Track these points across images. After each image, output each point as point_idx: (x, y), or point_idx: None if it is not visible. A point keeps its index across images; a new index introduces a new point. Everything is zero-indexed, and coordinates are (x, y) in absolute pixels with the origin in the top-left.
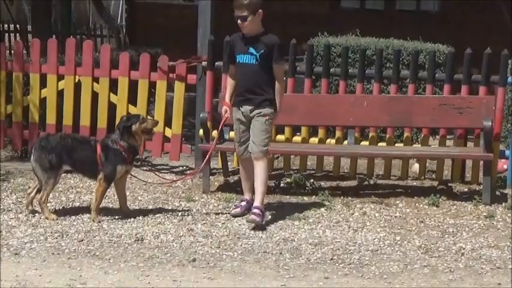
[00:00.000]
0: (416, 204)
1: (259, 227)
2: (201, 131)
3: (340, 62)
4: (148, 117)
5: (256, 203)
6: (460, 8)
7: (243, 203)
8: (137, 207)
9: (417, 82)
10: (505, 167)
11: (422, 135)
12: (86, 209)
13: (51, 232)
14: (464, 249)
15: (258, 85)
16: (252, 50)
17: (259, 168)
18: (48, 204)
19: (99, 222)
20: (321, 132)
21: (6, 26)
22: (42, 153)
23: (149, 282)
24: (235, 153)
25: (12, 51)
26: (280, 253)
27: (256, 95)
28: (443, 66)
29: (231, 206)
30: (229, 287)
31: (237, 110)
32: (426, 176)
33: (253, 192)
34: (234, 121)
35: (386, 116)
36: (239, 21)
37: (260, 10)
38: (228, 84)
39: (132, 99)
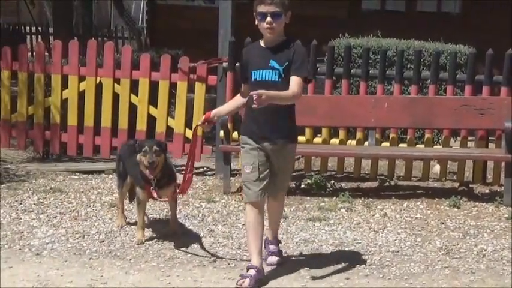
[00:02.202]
0: (437, 206)
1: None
2: (221, 132)
3: (361, 63)
4: (155, 147)
5: (274, 245)
6: (481, 8)
7: (253, 272)
8: (158, 209)
9: (438, 83)
10: None
11: (443, 136)
12: (107, 210)
13: (73, 233)
14: (485, 250)
15: (283, 113)
16: (273, 63)
17: (282, 207)
18: (70, 205)
19: (142, 243)
20: (342, 133)
21: (28, 28)
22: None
23: (170, 283)
24: None
25: (34, 53)
26: (301, 254)
27: (280, 129)
28: (464, 67)
29: None
30: None
31: (252, 140)
32: (447, 177)
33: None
34: (244, 148)
35: (407, 117)
36: (268, 19)
37: (289, 11)
38: (233, 99)
39: (153, 100)
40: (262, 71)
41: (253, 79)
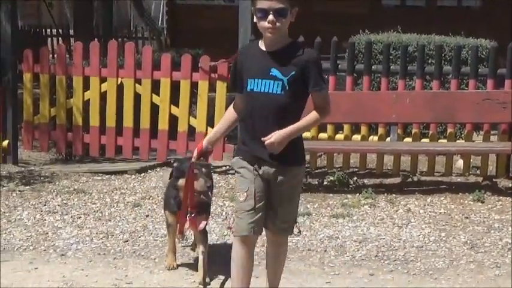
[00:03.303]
0: (461, 200)
1: None
2: None
3: (382, 59)
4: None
5: None
6: (502, 2)
7: None
8: None
9: (460, 77)
10: None
11: (466, 131)
12: (130, 210)
13: (97, 233)
14: (510, 244)
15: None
16: (276, 72)
17: (284, 253)
18: (93, 206)
19: (174, 268)
20: (364, 129)
21: (48, 30)
22: None
23: (194, 281)
24: None
25: (55, 55)
26: (325, 250)
27: (283, 149)
28: (486, 61)
29: None
30: None
31: (249, 164)
32: (470, 172)
33: None
34: (239, 173)
35: (429, 112)
36: (270, 17)
37: (296, 7)
38: (224, 117)
39: (175, 100)
40: (260, 81)
41: (249, 89)
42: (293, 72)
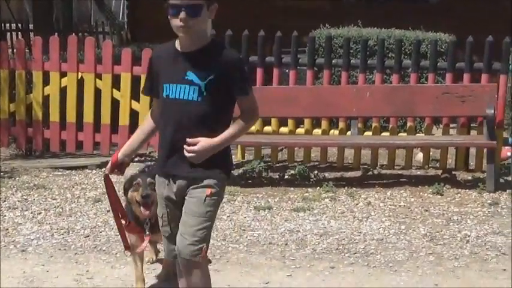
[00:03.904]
0: (421, 193)
1: None
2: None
3: (342, 53)
4: (150, 180)
5: None
6: None
7: None
8: None
9: (419, 71)
10: (509, 154)
11: (425, 124)
12: (91, 205)
13: (57, 229)
14: (469, 236)
15: (204, 135)
16: (192, 75)
17: (195, 280)
18: (54, 201)
19: None
20: (324, 123)
21: (7, 25)
22: None
23: (157, 275)
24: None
25: (15, 50)
26: (286, 244)
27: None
28: (445, 55)
29: (235, 199)
30: (236, 278)
31: (164, 182)
32: (430, 165)
33: None
34: (157, 199)
35: (389, 106)
36: (182, 14)
37: (215, 3)
38: (140, 126)
39: (135, 95)
40: (175, 86)
41: (164, 95)
42: (211, 76)
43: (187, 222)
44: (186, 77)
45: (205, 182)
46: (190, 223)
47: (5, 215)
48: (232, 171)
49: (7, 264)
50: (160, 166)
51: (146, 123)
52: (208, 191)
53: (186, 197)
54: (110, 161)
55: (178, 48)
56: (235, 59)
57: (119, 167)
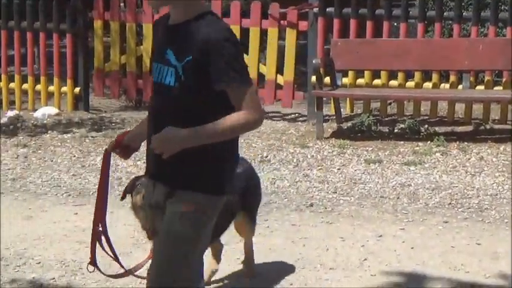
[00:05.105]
0: None
1: None
2: (313, 78)
3: (453, 5)
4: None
5: None
6: None
7: None
8: (252, 154)
9: None
10: None
11: None
12: None
13: None
14: None
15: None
16: (170, 54)
17: None
18: None
19: None
20: (435, 76)
21: None
22: None
23: (268, 226)
24: (347, 98)
25: (126, 2)
26: (398, 198)
27: (175, 159)
28: None
29: (345, 152)
30: (349, 231)
31: (149, 184)
32: None
33: None
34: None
35: (503, 59)
36: None
37: None
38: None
39: (244, 48)
40: (157, 66)
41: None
42: (189, 57)
43: (159, 248)
44: (165, 56)
45: (183, 197)
46: (163, 248)
47: (118, 165)
48: (341, 124)
49: (122, 213)
50: (147, 167)
51: None
52: (190, 207)
53: (165, 207)
54: (116, 139)
55: (169, 22)
56: (218, 38)
57: (123, 150)
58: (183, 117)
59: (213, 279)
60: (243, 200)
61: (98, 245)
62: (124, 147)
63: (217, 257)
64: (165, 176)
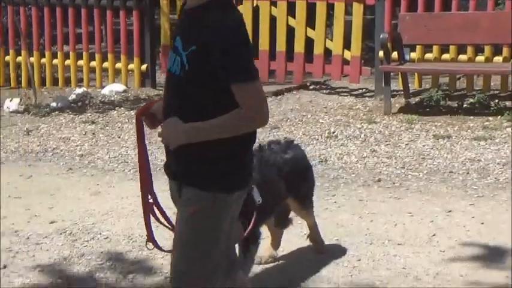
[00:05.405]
0: None
1: None
2: (381, 52)
3: None
4: None
5: None
6: None
7: None
8: (319, 130)
9: None
10: None
11: None
12: (268, 133)
13: None
14: None
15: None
16: (178, 42)
17: None
18: None
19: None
20: (506, 50)
21: None
22: None
23: (335, 202)
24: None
25: None
26: (467, 173)
27: (180, 154)
28: None
29: (413, 127)
30: (417, 206)
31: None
32: None
33: None
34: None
35: None
36: None
37: None
38: None
39: (310, 23)
40: (170, 54)
41: None
42: (193, 47)
43: (177, 248)
44: (175, 43)
45: (187, 195)
46: (179, 249)
47: None
48: (409, 99)
49: None
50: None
51: None
52: (192, 208)
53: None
54: (147, 104)
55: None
56: (223, 28)
57: (149, 117)
58: (188, 108)
59: (282, 253)
60: (290, 185)
61: (152, 218)
62: (150, 115)
63: (275, 243)
64: (174, 173)
